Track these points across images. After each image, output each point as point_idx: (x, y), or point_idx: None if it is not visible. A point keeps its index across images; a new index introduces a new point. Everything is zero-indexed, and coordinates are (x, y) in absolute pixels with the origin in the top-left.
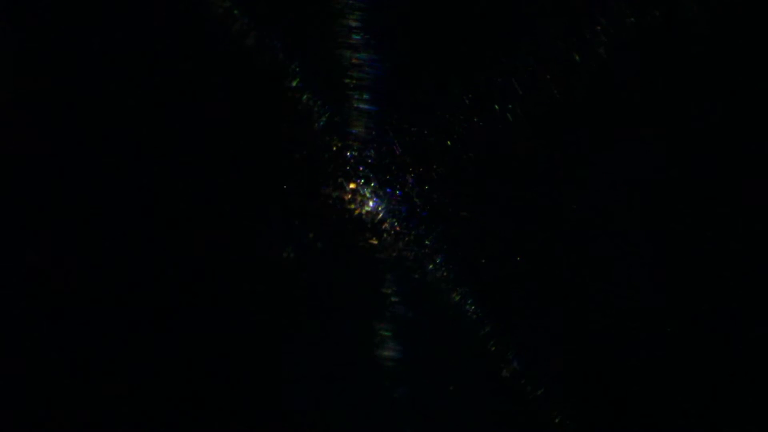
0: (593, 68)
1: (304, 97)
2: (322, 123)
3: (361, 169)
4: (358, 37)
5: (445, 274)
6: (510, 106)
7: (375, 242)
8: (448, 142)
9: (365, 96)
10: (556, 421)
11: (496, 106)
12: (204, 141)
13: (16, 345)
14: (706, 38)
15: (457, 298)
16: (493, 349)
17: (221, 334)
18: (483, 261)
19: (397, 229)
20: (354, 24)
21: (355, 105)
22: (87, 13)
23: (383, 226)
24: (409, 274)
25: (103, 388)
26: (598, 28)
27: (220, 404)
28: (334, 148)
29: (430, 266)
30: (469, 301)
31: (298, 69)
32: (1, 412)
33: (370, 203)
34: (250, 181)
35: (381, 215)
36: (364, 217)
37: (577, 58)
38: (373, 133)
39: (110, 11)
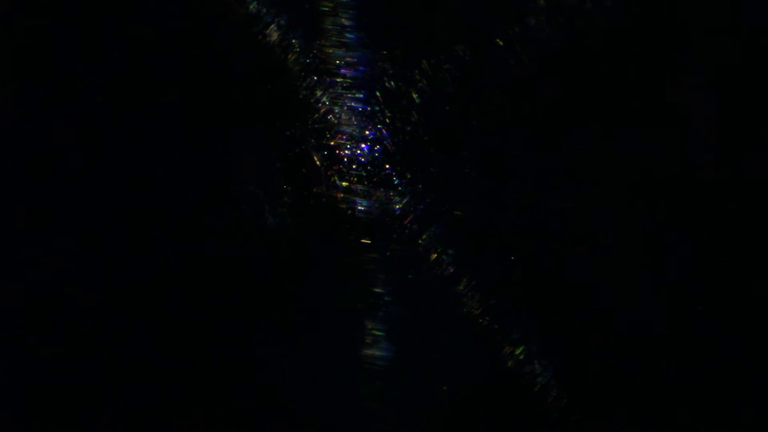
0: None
1: (300, 92)
2: (316, 120)
3: (354, 167)
4: (351, 36)
5: (439, 273)
6: (506, 103)
7: (368, 241)
8: (442, 140)
9: (358, 95)
10: (558, 419)
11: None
12: (196, 138)
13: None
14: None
15: (452, 297)
16: (489, 348)
17: (212, 333)
18: (478, 260)
19: (390, 228)
20: (347, 22)
21: (348, 103)
22: None
23: (376, 226)
24: (403, 273)
25: (99, 387)
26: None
27: (210, 404)
28: (327, 147)
29: (424, 265)
30: (463, 301)
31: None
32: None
33: (363, 202)
34: (243, 179)
35: (374, 214)
36: (356, 216)
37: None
38: (366, 131)
39: None
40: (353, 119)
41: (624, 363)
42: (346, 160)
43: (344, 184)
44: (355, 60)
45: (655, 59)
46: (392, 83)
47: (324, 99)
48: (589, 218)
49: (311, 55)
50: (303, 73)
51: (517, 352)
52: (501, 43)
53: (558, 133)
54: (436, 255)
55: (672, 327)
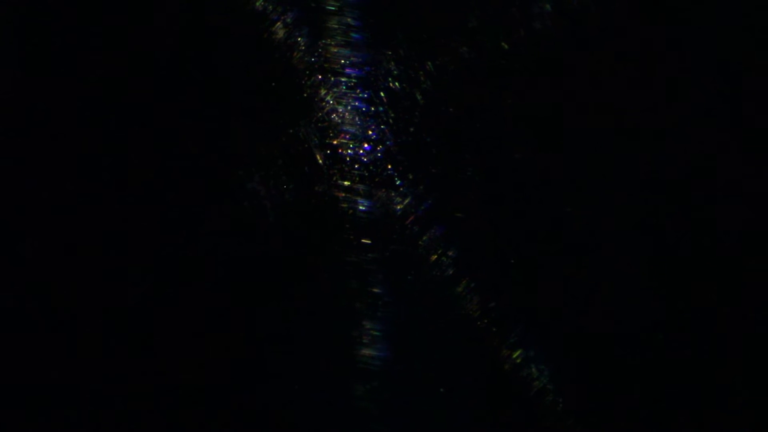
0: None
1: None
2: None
3: (356, 167)
4: (357, 36)
5: (438, 274)
6: (509, 105)
7: (368, 241)
8: (445, 142)
9: (362, 94)
10: (553, 423)
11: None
12: (199, 135)
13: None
14: None
15: (451, 299)
16: (486, 351)
17: (209, 331)
18: (478, 262)
19: (391, 228)
20: (353, 22)
21: (352, 103)
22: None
23: (377, 226)
24: (402, 274)
25: (97, 387)
26: None
27: (208, 402)
28: (330, 146)
29: (424, 266)
30: (462, 303)
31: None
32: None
33: (365, 202)
34: (244, 176)
35: (375, 214)
36: (357, 215)
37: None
38: (369, 131)
39: None
40: (356, 119)
41: (622, 367)
42: (348, 159)
43: (346, 183)
44: (360, 60)
45: (656, 59)
46: (396, 84)
47: (328, 98)
48: (589, 220)
49: (316, 54)
50: (307, 72)
51: (515, 355)
52: (506, 46)
53: (559, 135)
54: (436, 256)
55: (671, 330)
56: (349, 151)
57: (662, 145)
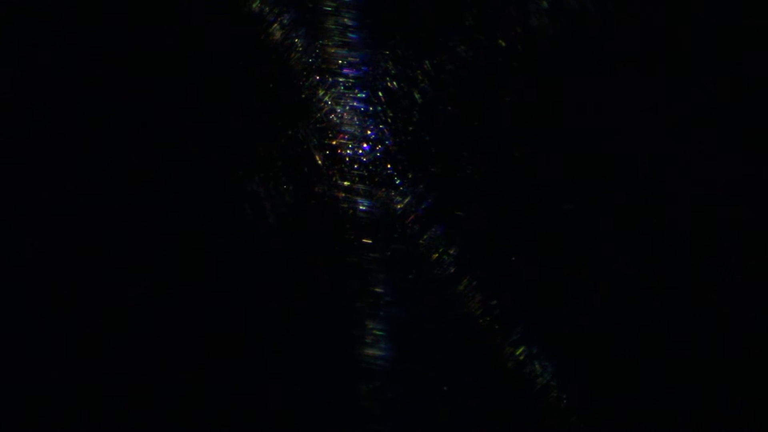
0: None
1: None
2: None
3: (355, 167)
4: (354, 36)
5: (439, 273)
6: (508, 104)
7: (369, 241)
8: (444, 141)
9: (361, 94)
10: (557, 420)
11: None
12: (198, 136)
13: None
14: None
15: (452, 297)
16: (489, 349)
17: (210, 332)
18: (479, 260)
19: (391, 228)
20: (350, 22)
21: (351, 103)
22: None
23: (377, 225)
24: (404, 273)
25: (97, 386)
26: None
27: (208, 402)
28: (329, 146)
29: (425, 265)
30: (464, 301)
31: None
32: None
33: (365, 202)
34: (244, 177)
35: (375, 214)
36: (357, 215)
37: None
38: (368, 131)
39: None
40: (355, 119)
41: (624, 364)
42: (347, 159)
43: (346, 183)
44: (358, 60)
45: (655, 60)
46: (394, 83)
47: (326, 98)
48: (589, 218)
49: (314, 55)
50: (305, 73)
51: (517, 352)
52: (503, 44)
53: (559, 133)
54: (437, 255)
55: (672, 327)
56: (349, 151)
57: (662, 145)
